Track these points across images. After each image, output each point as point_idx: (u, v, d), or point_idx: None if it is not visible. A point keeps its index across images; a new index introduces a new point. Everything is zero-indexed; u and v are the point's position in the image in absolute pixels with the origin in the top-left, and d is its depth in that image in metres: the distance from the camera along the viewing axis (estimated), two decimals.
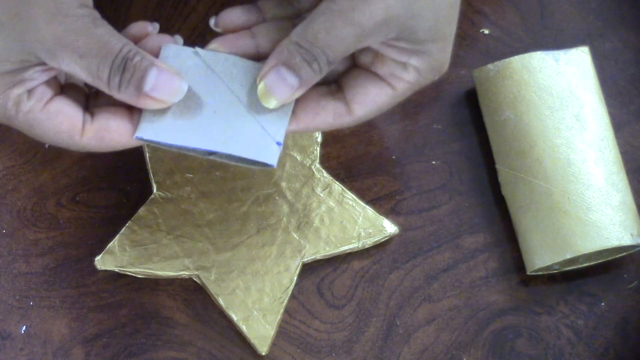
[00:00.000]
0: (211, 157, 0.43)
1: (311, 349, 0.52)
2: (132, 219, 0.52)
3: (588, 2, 0.61)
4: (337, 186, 0.54)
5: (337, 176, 0.55)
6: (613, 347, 0.53)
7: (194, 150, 0.42)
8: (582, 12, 0.61)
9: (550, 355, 0.52)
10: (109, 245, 0.52)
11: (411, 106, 0.58)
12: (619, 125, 0.57)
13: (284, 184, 0.54)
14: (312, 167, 0.54)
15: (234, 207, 0.53)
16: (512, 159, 0.53)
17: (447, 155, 0.57)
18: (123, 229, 0.52)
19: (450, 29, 0.43)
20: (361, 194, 0.55)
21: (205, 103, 0.42)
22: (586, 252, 0.50)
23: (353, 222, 0.53)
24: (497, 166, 0.55)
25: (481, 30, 0.60)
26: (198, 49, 0.43)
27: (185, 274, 0.52)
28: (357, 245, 0.53)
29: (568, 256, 0.51)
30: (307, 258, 0.52)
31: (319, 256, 0.53)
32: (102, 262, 0.52)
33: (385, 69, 0.43)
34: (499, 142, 0.54)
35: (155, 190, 0.53)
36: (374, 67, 0.44)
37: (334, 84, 0.45)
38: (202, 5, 0.59)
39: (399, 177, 0.56)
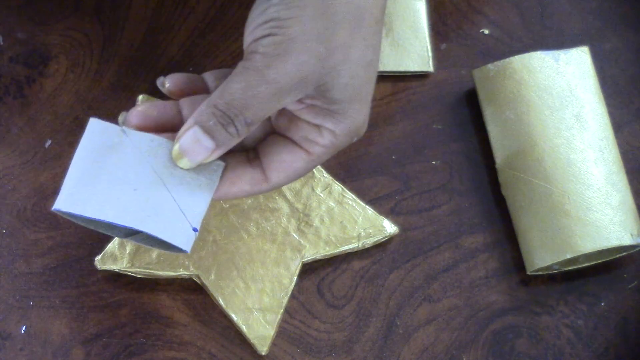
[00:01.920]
0: (129, 239, 0.43)
1: (311, 349, 0.52)
2: None
3: (588, 2, 0.61)
4: (337, 186, 0.54)
5: (337, 176, 0.55)
6: (613, 347, 0.53)
7: (111, 227, 0.42)
8: (582, 12, 0.61)
9: (550, 355, 0.52)
10: (109, 245, 0.52)
11: (411, 106, 0.58)
12: (619, 125, 0.57)
13: None
14: None
15: (234, 207, 0.53)
16: (512, 158, 0.53)
17: (447, 155, 0.57)
18: None
19: (367, 89, 0.43)
20: (361, 194, 0.55)
21: (126, 180, 0.41)
22: (586, 252, 0.50)
23: (353, 222, 0.53)
24: (497, 166, 0.55)
25: (481, 30, 0.60)
26: (125, 128, 0.42)
27: (185, 274, 0.52)
28: (357, 245, 0.53)
29: (568, 256, 0.51)
30: (307, 258, 0.52)
31: (319, 256, 0.53)
32: (102, 262, 0.52)
33: (300, 133, 0.43)
34: (499, 142, 0.54)
35: None
36: (289, 132, 0.44)
37: (252, 151, 0.44)
38: (202, 5, 0.59)
39: (399, 177, 0.56)
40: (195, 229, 0.42)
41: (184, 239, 0.41)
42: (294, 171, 0.44)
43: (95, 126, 0.42)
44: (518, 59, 0.54)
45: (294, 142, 0.44)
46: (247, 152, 0.45)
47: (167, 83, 0.45)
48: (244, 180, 0.43)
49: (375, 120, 0.57)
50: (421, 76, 0.58)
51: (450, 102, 0.58)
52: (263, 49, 0.40)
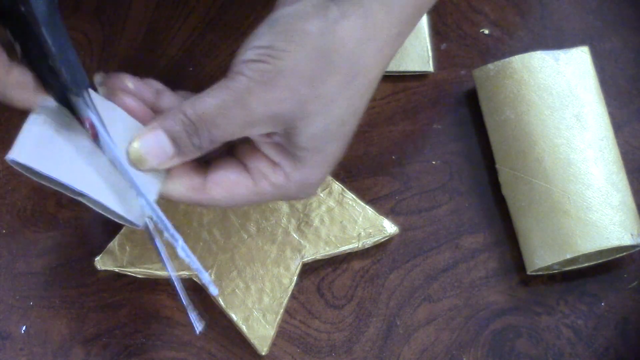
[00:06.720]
0: (79, 199, 0.42)
1: (311, 349, 0.52)
2: None
3: (588, 2, 0.61)
4: (337, 186, 0.54)
5: (337, 176, 0.55)
6: (613, 347, 0.53)
7: (63, 186, 0.40)
8: (582, 12, 0.61)
9: (550, 355, 0.52)
10: (109, 245, 0.52)
11: (411, 106, 0.58)
12: (619, 125, 0.57)
13: None
14: None
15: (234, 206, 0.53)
16: (512, 158, 0.53)
17: (447, 155, 0.57)
18: (123, 229, 0.52)
19: (333, 147, 0.42)
20: (361, 194, 0.55)
21: (84, 144, 0.40)
22: (586, 252, 0.50)
23: (353, 222, 0.53)
24: (497, 166, 0.55)
25: (481, 30, 0.60)
26: (92, 92, 0.41)
27: (185, 274, 0.52)
28: (357, 245, 0.53)
29: (568, 256, 0.51)
30: (307, 258, 0.52)
31: (319, 256, 0.53)
32: (102, 262, 0.52)
33: (255, 162, 0.42)
34: (499, 142, 0.54)
35: None
36: (244, 157, 0.43)
37: (202, 162, 0.43)
38: (202, 5, 0.59)
39: (399, 177, 0.56)
40: (149, 205, 0.41)
41: (138, 215, 0.41)
42: (233, 194, 0.43)
43: (47, 103, 0.41)
44: (518, 59, 0.54)
45: (245, 167, 0.43)
46: (197, 160, 0.43)
47: (129, 83, 0.43)
48: (183, 181, 0.42)
49: (375, 120, 0.57)
50: (421, 76, 0.58)
51: (450, 102, 0.58)
52: (249, 72, 0.39)
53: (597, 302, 0.54)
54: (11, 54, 0.40)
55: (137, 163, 0.40)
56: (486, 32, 0.60)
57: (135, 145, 0.40)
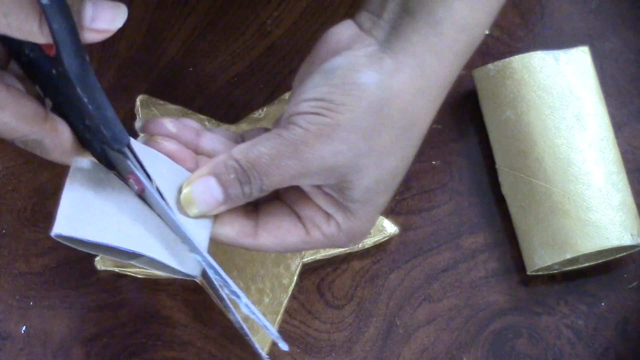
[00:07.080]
0: (131, 261, 0.42)
1: (311, 349, 0.52)
2: None
3: (588, 2, 0.61)
4: None
5: None
6: (613, 347, 0.53)
7: (113, 250, 0.40)
8: (582, 12, 0.61)
9: (550, 355, 0.52)
10: None
11: None
12: (619, 125, 0.57)
13: None
14: None
15: None
16: (512, 158, 0.53)
17: (447, 155, 0.57)
18: None
19: (383, 198, 0.42)
20: None
21: (126, 200, 0.40)
22: (586, 252, 0.50)
23: None
24: (497, 166, 0.55)
25: None
26: (132, 140, 0.39)
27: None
28: (357, 245, 0.53)
29: (568, 256, 0.51)
30: (307, 258, 0.52)
31: (319, 256, 0.53)
32: (102, 262, 0.51)
33: (308, 212, 0.42)
34: (499, 142, 0.54)
35: None
36: (296, 206, 0.43)
37: (251, 205, 0.43)
38: (202, 5, 0.59)
39: None
40: (206, 261, 0.41)
41: (194, 266, 0.41)
42: (284, 242, 0.43)
43: (80, 163, 0.40)
44: (518, 59, 0.54)
45: (299, 217, 0.43)
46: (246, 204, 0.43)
47: (170, 126, 0.43)
48: (234, 226, 0.42)
49: None
50: None
51: (450, 102, 0.58)
52: (306, 124, 0.39)
53: (597, 302, 0.54)
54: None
55: (186, 208, 0.41)
56: (486, 32, 0.60)
57: (186, 190, 0.40)
